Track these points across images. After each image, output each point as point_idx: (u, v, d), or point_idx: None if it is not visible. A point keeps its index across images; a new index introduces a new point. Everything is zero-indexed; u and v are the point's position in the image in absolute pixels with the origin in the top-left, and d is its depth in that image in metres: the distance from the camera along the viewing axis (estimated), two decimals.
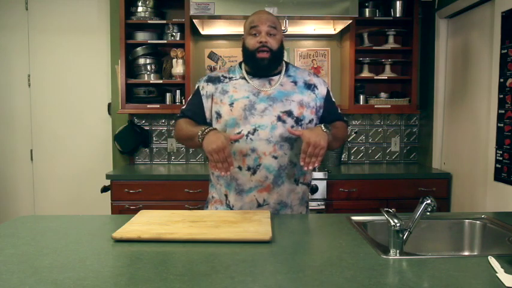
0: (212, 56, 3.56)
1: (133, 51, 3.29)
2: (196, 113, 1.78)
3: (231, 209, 1.75)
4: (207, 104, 1.77)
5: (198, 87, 1.82)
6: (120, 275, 1.08)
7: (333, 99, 1.86)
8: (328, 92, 1.83)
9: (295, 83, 1.78)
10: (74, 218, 1.62)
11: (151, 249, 1.24)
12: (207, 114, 1.78)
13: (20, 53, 3.62)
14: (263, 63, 1.71)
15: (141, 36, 3.30)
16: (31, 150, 3.69)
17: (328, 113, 1.82)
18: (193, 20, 3.02)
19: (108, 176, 3.00)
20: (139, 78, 3.32)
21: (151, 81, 3.29)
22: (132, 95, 3.31)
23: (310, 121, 1.75)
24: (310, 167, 1.56)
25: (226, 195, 1.77)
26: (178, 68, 3.25)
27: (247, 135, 1.69)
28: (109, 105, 3.61)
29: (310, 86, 1.79)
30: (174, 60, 3.27)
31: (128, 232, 1.34)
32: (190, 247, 1.25)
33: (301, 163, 1.57)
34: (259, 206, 1.72)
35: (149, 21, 3.26)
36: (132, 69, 3.33)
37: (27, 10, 3.60)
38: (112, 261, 1.18)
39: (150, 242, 1.29)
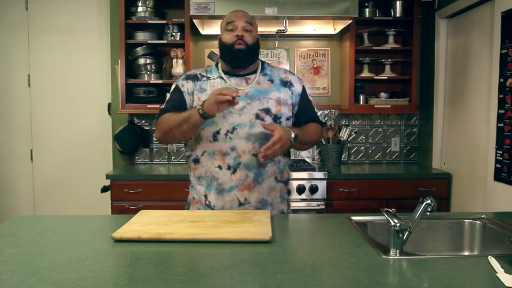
0: (212, 56, 3.55)
1: (133, 51, 3.29)
2: (181, 110, 1.72)
3: (212, 209, 1.74)
4: (189, 100, 1.76)
5: (178, 85, 1.80)
6: (120, 275, 1.08)
7: (309, 98, 1.85)
8: (304, 89, 1.83)
9: (271, 81, 1.79)
10: (74, 218, 1.62)
11: (151, 249, 1.24)
12: None
13: (20, 53, 3.62)
14: (239, 54, 1.72)
15: (141, 36, 3.30)
16: (31, 150, 3.69)
17: (302, 111, 1.81)
18: (193, 20, 3.01)
19: (108, 176, 3.00)
20: (139, 78, 3.32)
21: (151, 81, 3.29)
22: (132, 95, 3.31)
23: (288, 118, 1.76)
24: (262, 160, 1.61)
25: (205, 196, 1.76)
26: (178, 68, 3.25)
27: (226, 134, 1.69)
28: (109, 105, 3.61)
29: (286, 84, 1.80)
30: (174, 60, 3.27)
31: (127, 232, 1.34)
32: (190, 247, 1.25)
33: (262, 150, 1.58)
34: (240, 205, 1.71)
35: (149, 21, 3.26)
36: (132, 69, 3.33)
37: (27, 10, 3.60)
38: (112, 261, 1.18)
39: (150, 242, 1.29)
